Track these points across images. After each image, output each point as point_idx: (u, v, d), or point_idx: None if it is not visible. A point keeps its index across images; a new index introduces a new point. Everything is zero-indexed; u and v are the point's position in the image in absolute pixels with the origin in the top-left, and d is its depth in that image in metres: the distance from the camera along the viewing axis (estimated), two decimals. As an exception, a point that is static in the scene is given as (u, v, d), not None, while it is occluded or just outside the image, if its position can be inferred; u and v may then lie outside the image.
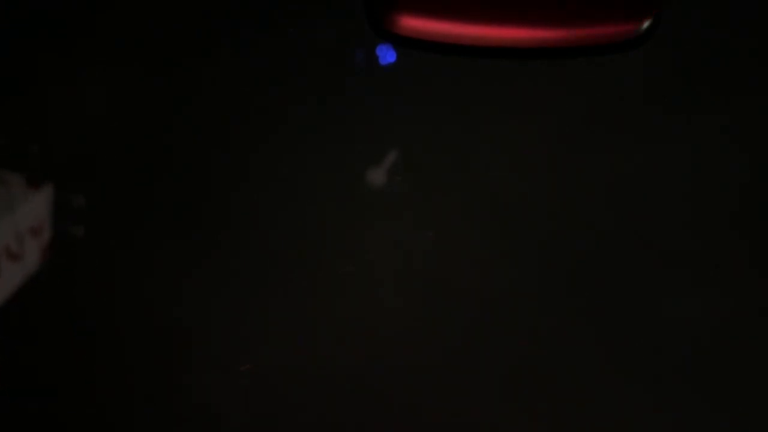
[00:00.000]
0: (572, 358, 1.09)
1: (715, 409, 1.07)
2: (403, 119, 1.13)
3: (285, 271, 1.10)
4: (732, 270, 1.10)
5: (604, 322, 1.09)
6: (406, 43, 1.12)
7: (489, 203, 1.11)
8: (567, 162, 1.12)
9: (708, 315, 1.09)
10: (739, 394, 1.08)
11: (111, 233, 1.12)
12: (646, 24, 1.08)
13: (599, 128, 1.12)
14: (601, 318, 1.09)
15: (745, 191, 1.11)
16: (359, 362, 1.09)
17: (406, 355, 1.09)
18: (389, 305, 1.10)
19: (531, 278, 1.10)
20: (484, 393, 1.08)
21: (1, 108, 1.15)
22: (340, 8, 1.14)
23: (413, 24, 1.07)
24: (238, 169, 1.12)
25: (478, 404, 1.08)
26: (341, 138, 1.13)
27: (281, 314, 1.10)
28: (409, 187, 1.12)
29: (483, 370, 1.09)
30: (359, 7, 1.13)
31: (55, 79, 1.15)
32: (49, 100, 1.14)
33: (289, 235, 1.11)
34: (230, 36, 1.15)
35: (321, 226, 1.11)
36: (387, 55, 1.13)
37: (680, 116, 1.12)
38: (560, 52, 1.11)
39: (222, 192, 1.12)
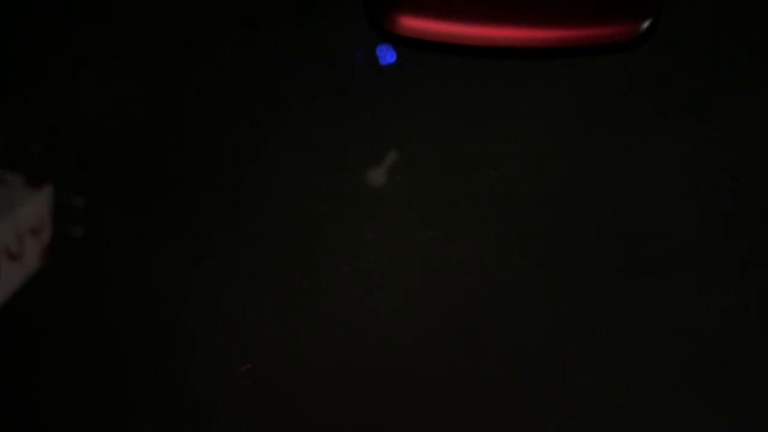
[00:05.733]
0: (573, 357, 1.09)
1: (714, 409, 1.07)
2: (403, 119, 1.13)
3: (285, 271, 1.10)
4: (730, 269, 1.10)
5: (605, 320, 1.09)
6: (406, 43, 1.12)
7: (490, 203, 1.11)
8: (567, 162, 1.12)
9: (707, 314, 1.09)
10: (739, 394, 1.08)
11: (111, 233, 1.12)
12: (646, 24, 1.08)
13: (599, 128, 1.12)
14: (603, 317, 1.09)
15: (745, 191, 1.11)
16: (360, 362, 1.09)
17: (407, 355, 1.09)
18: (390, 305, 1.10)
19: (532, 277, 1.10)
20: (486, 392, 1.08)
21: (1, 108, 1.15)
22: (340, 8, 1.14)
23: (413, 24, 1.07)
24: (237, 169, 1.12)
25: (480, 403, 1.08)
26: (341, 138, 1.13)
27: (281, 314, 1.10)
28: (409, 187, 1.12)
29: (485, 369, 1.09)
30: (359, 7, 1.13)
31: (55, 79, 1.15)
32: (49, 100, 1.14)
33: (289, 235, 1.11)
34: (229, 36, 1.15)
35: (321, 226, 1.11)
36: (387, 55, 1.13)
37: (681, 116, 1.12)
38: (560, 52, 1.11)
39: (222, 192, 1.12)
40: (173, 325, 1.10)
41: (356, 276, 1.10)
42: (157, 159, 1.13)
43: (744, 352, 1.08)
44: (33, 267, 1.12)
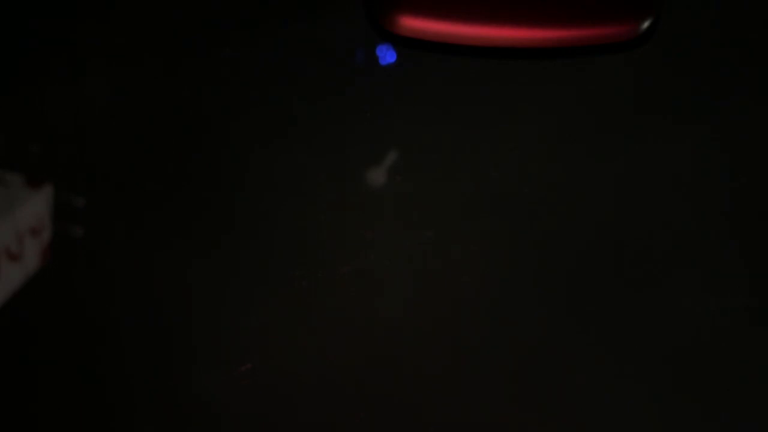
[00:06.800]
0: (573, 357, 1.09)
1: (714, 409, 1.07)
2: (403, 119, 1.13)
3: (285, 271, 1.10)
4: (730, 269, 1.10)
5: (605, 320, 1.09)
6: (406, 43, 1.12)
7: (489, 203, 1.11)
8: (567, 162, 1.12)
9: (707, 314, 1.09)
10: (739, 394, 1.08)
11: (111, 233, 1.12)
12: (646, 24, 1.08)
13: (599, 128, 1.12)
14: (603, 317, 1.09)
15: (745, 191, 1.11)
16: (360, 362, 1.09)
17: (407, 355, 1.09)
18: (389, 305, 1.10)
19: (531, 278, 1.10)
20: (485, 393, 1.08)
21: (1, 108, 1.15)
22: (340, 8, 1.14)
23: (413, 24, 1.07)
24: (237, 169, 1.12)
25: (480, 404, 1.08)
26: (341, 138, 1.13)
27: (281, 314, 1.10)
28: (409, 187, 1.12)
29: (484, 370, 1.09)
30: (359, 7, 1.13)
31: (55, 79, 1.15)
32: (49, 100, 1.14)
33: (289, 235, 1.11)
34: (229, 36, 1.15)
35: (321, 226, 1.11)
36: (387, 55, 1.13)
37: (681, 116, 1.12)
38: (560, 52, 1.11)
39: (222, 192, 1.12)
40: (173, 325, 1.10)
41: (356, 276, 1.10)
42: (157, 159, 1.13)
43: (744, 352, 1.08)
44: (33, 267, 1.12)
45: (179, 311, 1.10)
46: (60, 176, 1.13)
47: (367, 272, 1.10)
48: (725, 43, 1.14)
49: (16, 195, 1.13)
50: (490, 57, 1.12)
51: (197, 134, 1.14)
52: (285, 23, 1.15)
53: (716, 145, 1.12)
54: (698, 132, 1.12)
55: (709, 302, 1.09)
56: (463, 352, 1.09)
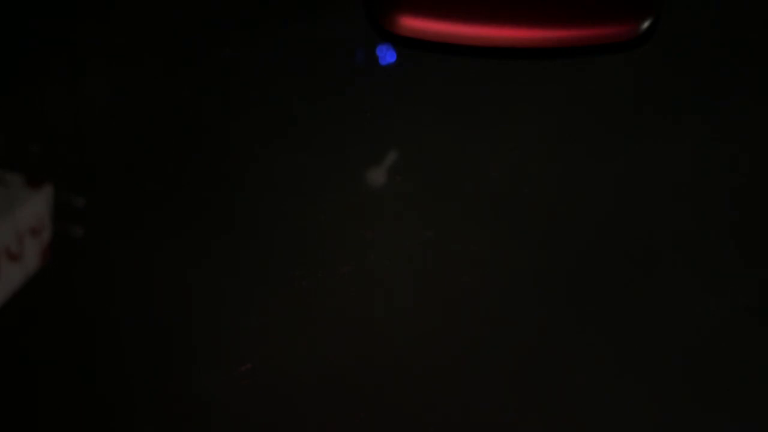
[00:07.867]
0: (573, 357, 1.09)
1: (714, 409, 1.07)
2: (403, 119, 1.13)
3: (285, 271, 1.10)
4: (730, 269, 1.10)
5: (605, 320, 1.09)
6: (406, 43, 1.12)
7: (489, 203, 1.11)
8: (567, 162, 1.12)
9: (707, 314, 1.09)
10: (739, 394, 1.08)
11: (111, 233, 1.12)
12: (646, 24, 1.08)
13: (599, 128, 1.12)
14: (603, 317, 1.09)
15: (745, 191, 1.11)
16: (360, 362, 1.09)
17: (407, 355, 1.09)
18: (389, 305, 1.10)
19: (531, 278, 1.10)
20: (485, 393, 1.08)
21: (1, 108, 1.15)
22: (340, 8, 1.14)
23: (413, 24, 1.07)
24: (237, 169, 1.12)
25: (480, 404, 1.08)
26: (341, 138, 1.13)
27: (281, 314, 1.10)
28: (409, 187, 1.12)
29: (484, 370, 1.09)
30: (359, 7, 1.14)
31: (55, 79, 1.15)
32: (49, 100, 1.14)
33: (289, 235, 1.11)
34: (229, 36, 1.15)
35: (321, 226, 1.11)
36: (387, 55, 1.13)
37: (681, 116, 1.12)
38: (560, 52, 1.11)
39: (222, 192, 1.12)
40: (173, 325, 1.10)
41: (356, 276, 1.10)
42: (157, 159, 1.13)
43: (744, 352, 1.08)
44: (33, 267, 1.12)
45: (179, 311, 1.10)
46: (60, 176, 1.13)
47: (367, 272, 1.10)
48: (725, 43, 1.14)
49: (16, 195, 1.13)
50: (490, 57, 1.12)
51: (197, 134, 1.14)
52: (285, 23, 1.15)
53: (716, 145, 1.12)
54: (698, 132, 1.12)
55: (709, 302, 1.09)
56: (463, 352, 1.09)
